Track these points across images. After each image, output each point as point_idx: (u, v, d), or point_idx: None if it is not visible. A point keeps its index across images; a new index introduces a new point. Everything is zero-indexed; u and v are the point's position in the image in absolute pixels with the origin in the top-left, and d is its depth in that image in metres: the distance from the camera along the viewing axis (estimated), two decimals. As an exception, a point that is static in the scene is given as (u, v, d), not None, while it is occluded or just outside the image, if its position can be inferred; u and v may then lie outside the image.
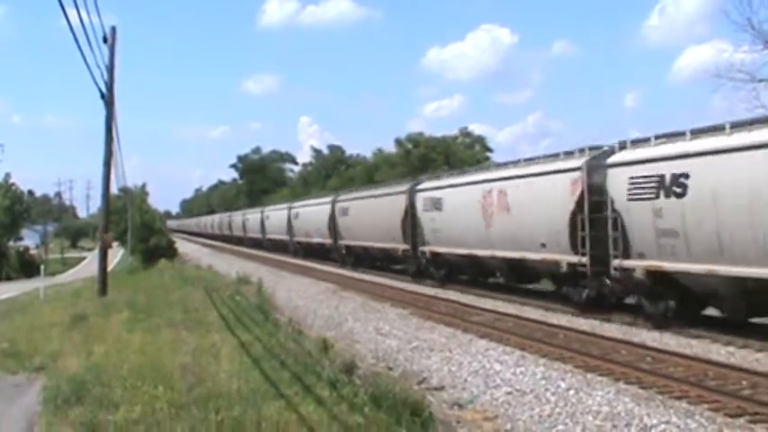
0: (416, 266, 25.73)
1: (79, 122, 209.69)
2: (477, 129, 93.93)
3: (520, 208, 18.32)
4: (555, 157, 17.92)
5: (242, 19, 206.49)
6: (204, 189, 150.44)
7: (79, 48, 15.26)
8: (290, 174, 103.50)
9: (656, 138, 14.34)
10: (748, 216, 11.82)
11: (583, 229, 15.76)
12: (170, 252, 47.52)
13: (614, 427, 8.09)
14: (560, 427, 8.32)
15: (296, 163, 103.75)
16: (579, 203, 15.88)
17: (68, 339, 12.69)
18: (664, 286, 14.05)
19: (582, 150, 16.64)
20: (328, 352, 11.68)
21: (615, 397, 9.16)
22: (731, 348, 12.09)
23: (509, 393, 9.79)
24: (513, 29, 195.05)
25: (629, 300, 15.87)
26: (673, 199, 13.23)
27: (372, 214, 29.86)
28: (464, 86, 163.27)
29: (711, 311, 14.28)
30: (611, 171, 15.01)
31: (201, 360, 9.70)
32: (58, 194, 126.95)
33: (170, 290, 21.48)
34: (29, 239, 67.02)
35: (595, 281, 15.69)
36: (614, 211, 14.76)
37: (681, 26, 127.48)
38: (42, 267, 36.15)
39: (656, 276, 14.07)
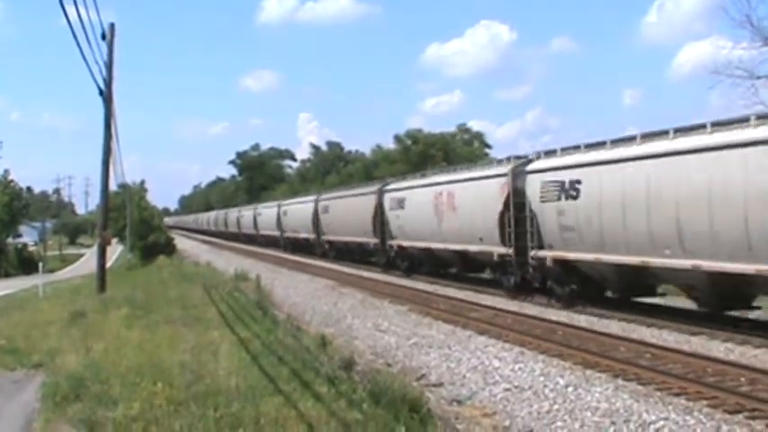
0: (386, 258, 28.75)
1: (78, 119, 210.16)
2: (476, 125, 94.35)
3: (464, 207, 21.68)
4: (491, 164, 22.24)
5: (241, 15, 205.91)
6: (203, 186, 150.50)
7: (78, 44, 15.25)
8: (289, 170, 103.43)
9: (562, 149, 17.33)
10: (621, 215, 14.60)
11: (509, 225, 18.74)
12: (169, 249, 47.43)
13: (613, 423, 8.10)
14: (559, 423, 8.32)
15: (294, 159, 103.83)
16: (506, 204, 18.87)
17: (67, 336, 12.63)
18: (567, 272, 16.99)
19: (509, 159, 20.20)
20: (327, 348, 11.69)
21: (614, 393, 9.19)
22: (730, 345, 12.14)
23: (508, 390, 9.81)
24: (512, 25, 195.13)
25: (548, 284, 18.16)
26: (570, 201, 16.18)
27: (349, 212, 33.05)
28: (463, 83, 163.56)
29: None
30: (528, 177, 18.08)
31: (200, 357, 9.67)
32: (57, 191, 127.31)
33: (169, 286, 21.46)
34: (27, 236, 66.72)
35: (519, 269, 18.72)
36: (531, 210, 17.74)
37: (679, 23, 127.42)
38: (41, 264, 36.04)
39: (561, 264, 17.00)
